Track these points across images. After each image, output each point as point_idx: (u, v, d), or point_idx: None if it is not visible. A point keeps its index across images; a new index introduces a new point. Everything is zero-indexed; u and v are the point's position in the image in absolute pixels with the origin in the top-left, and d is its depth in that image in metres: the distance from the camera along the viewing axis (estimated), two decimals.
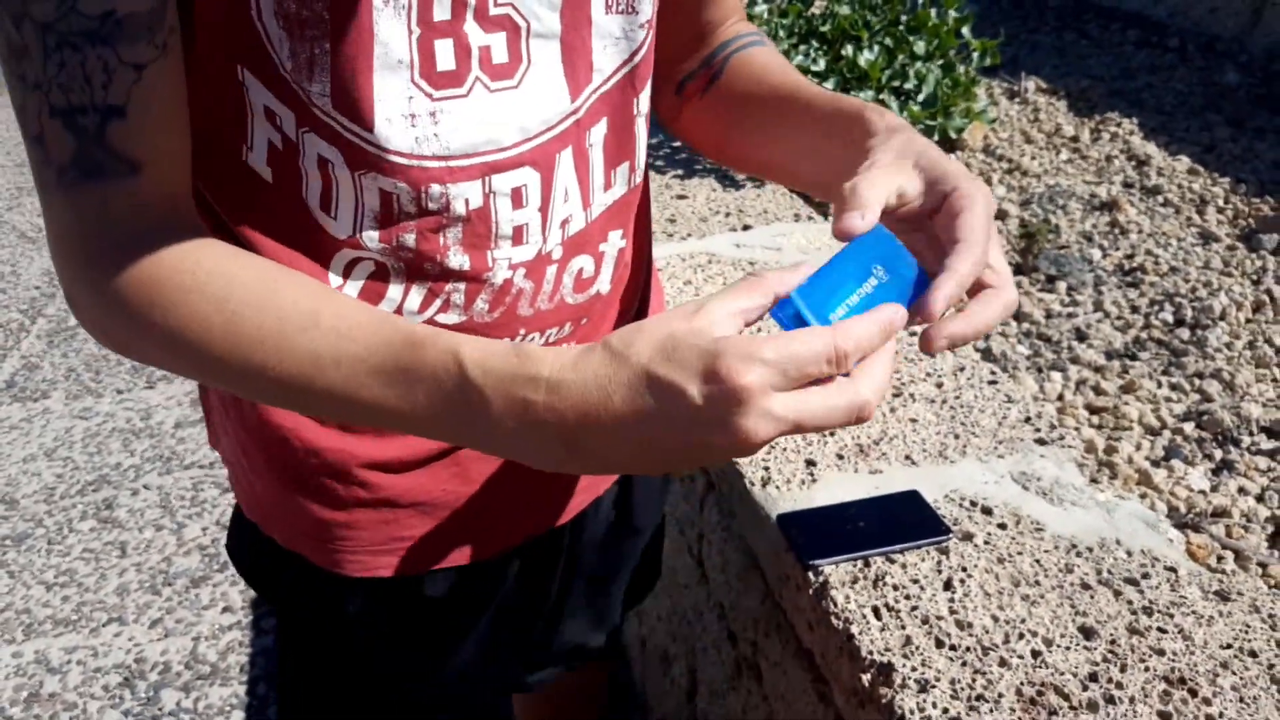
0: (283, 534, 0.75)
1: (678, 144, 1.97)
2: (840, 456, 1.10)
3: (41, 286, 3.54)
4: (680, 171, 1.86)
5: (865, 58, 1.86)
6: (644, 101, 0.67)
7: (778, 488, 1.06)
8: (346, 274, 0.61)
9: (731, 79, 0.76)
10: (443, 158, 0.57)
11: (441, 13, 0.54)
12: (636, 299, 0.78)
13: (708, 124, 0.79)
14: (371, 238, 0.59)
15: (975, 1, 3.57)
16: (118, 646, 1.96)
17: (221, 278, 0.52)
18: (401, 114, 0.55)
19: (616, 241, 0.70)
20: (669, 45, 0.75)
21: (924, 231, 0.55)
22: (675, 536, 1.45)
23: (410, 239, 0.60)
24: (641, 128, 0.68)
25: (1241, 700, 0.80)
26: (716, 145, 0.80)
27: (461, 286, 0.62)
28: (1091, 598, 0.89)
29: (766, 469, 1.09)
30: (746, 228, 1.67)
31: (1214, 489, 1.18)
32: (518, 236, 0.62)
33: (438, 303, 0.63)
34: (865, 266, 0.50)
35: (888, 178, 0.53)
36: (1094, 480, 1.07)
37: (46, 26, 0.49)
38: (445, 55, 0.55)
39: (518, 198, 0.61)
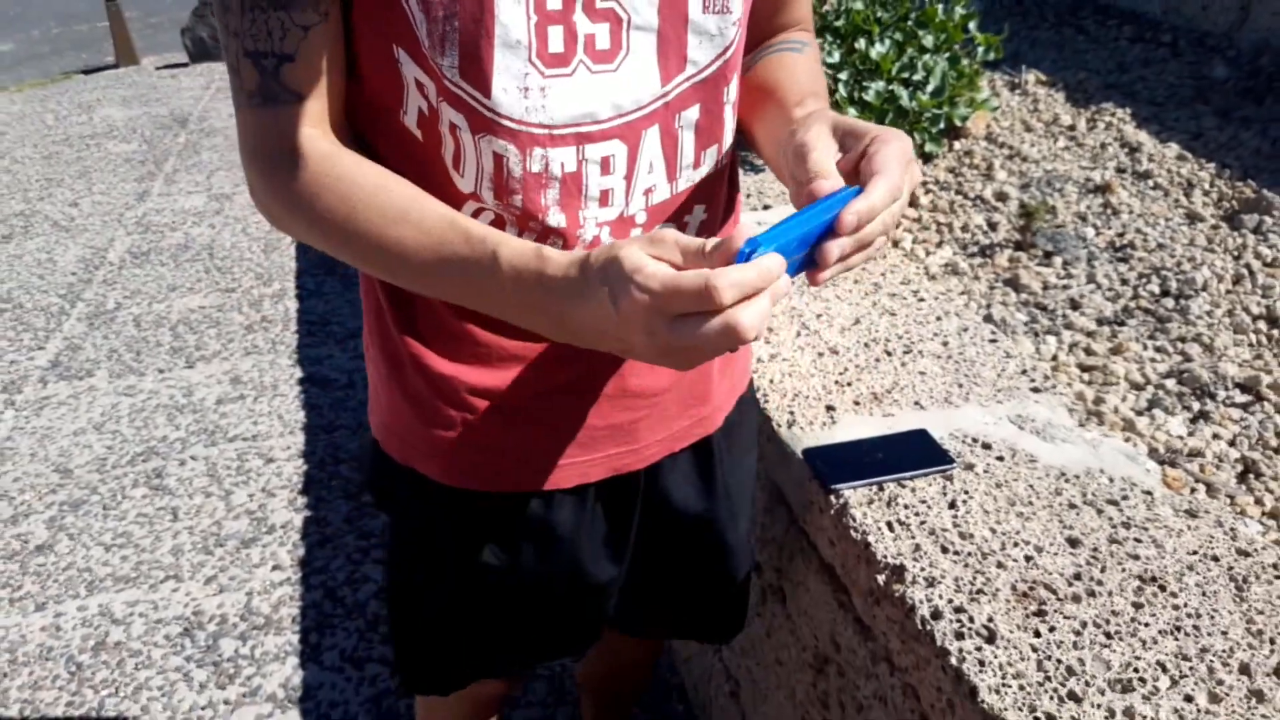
0: (400, 451, 0.88)
1: None
2: (856, 403, 1.24)
3: (78, 273, 3.67)
4: None
5: (877, 50, 2.00)
6: (733, 90, 0.77)
7: (801, 428, 1.20)
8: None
9: (758, 69, 0.86)
10: (546, 126, 0.70)
11: (554, 3, 0.67)
12: None
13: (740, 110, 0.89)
14: (488, 195, 0.73)
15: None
16: (176, 601, 2.10)
17: (347, 180, 0.69)
18: (516, 86, 0.68)
19: (699, 214, 0.81)
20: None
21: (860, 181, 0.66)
22: None
23: (518, 199, 0.72)
24: (729, 115, 0.79)
25: (1204, 594, 0.93)
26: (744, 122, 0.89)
27: (560, 242, 0.74)
28: (1077, 515, 1.03)
29: (791, 413, 1.22)
30: (767, 207, 1.80)
31: (1190, 434, 1.32)
32: (604, 199, 0.74)
33: None
34: (813, 213, 0.60)
35: (827, 146, 0.66)
36: (1082, 424, 1.21)
37: None
38: (556, 39, 0.67)
39: (606, 165, 0.72)
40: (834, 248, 0.60)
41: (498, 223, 0.74)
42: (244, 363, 2.99)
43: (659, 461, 0.93)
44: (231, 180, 4.44)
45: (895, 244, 1.90)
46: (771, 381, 1.29)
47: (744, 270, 0.55)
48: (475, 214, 0.74)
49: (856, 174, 0.66)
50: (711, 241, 0.57)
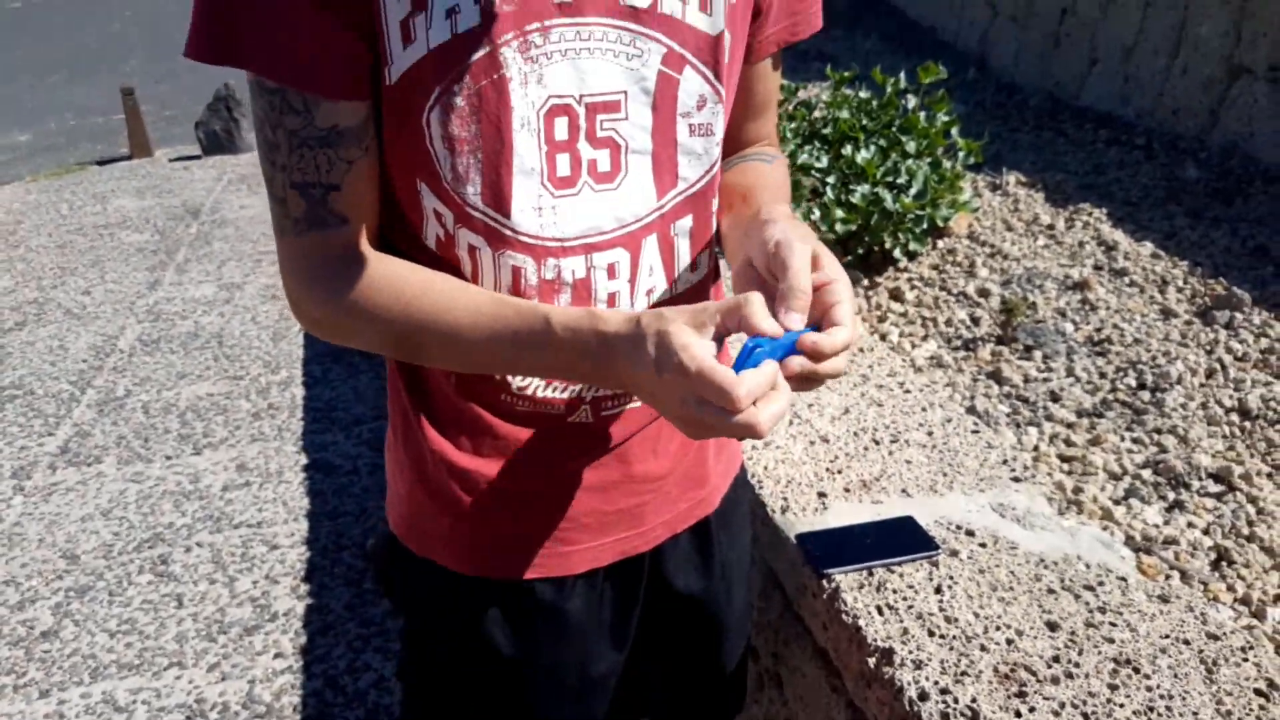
0: (419, 544, 0.94)
1: None
2: (847, 490, 1.30)
3: (89, 360, 3.75)
4: None
5: (862, 156, 2.12)
6: (716, 202, 0.86)
7: (795, 514, 1.26)
8: None
9: (730, 174, 0.94)
10: (558, 239, 0.79)
11: (561, 134, 0.76)
12: None
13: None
14: None
15: (962, 102, 3.88)
16: (179, 688, 2.12)
17: (397, 280, 0.78)
18: (532, 206, 0.77)
19: None
20: None
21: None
22: None
23: None
24: (714, 223, 0.88)
25: (1175, 677, 0.99)
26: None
27: None
28: (1056, 600, 1.09)
29: (785, 499, 1.29)
30: None
31: (1166, 523, 1.38)
32: (610, 301, 0.81)
33: None
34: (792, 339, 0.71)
35: (804, 260, 0.73)
36: (1061, 513, 1.27)
37: (293, 133, 0.74)
38: (564, 165, 0.76)
39: (611, 271, 0.81)
40: (795, 364, 0.70)
41: None
42: (250, 449, 3.05)
43: (661, 544, 0.98)
44: (241, 270, 4.57)
45: (882, 337, 1.99)
46: (766, 469, 1.36)
47: (757, 377, 0.66)
48: None
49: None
50: (740, 299, 0.69)
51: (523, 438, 0.87)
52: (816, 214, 2.10)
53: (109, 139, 7.17)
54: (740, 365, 0.67)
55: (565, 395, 0.85)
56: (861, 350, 1.66)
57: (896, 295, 2.17)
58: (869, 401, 1.53)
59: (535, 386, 0.84)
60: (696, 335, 0.68)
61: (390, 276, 0.78)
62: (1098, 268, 2.30)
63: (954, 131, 2.34)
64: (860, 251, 2.20)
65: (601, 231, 0.80)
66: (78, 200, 5.90)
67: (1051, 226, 2.55)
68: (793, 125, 2.26)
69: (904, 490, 1.30)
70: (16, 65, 9.53)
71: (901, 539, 1.19)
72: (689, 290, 0.88)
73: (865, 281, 2.24)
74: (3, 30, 10.92)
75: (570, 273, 0.81)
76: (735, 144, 0.97)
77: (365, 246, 0.79)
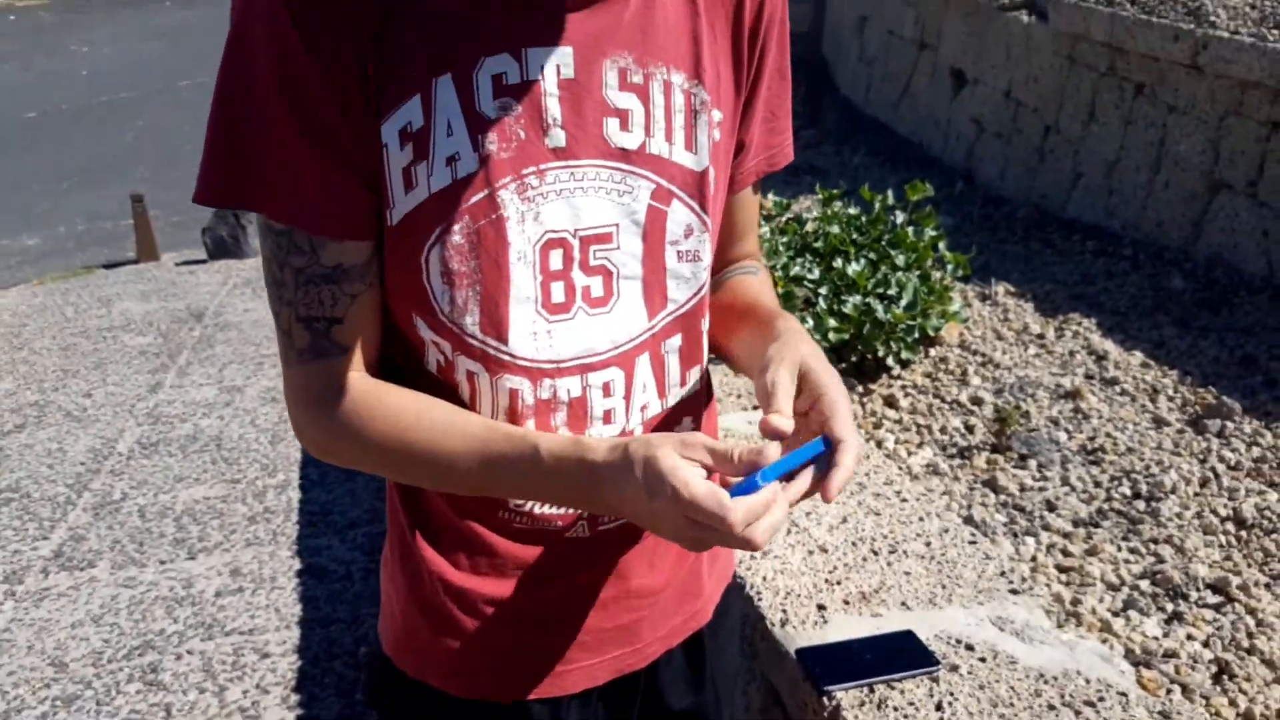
0: (413, 665, 0.94)
1: None
2: (846, 602, 1.31)
3: (86, 463, 3.75)
4: None
5: (853, 269, 2.18)
6: (706, 320, 0.92)
7: (794, 628, 1.26)
8: None
9: (721, 294, 0.99)
10: (554, 361, 0.82)
11: (556, 264, 0.80)
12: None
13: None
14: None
15: (950, 215, 4.00)
16: None
17: (395, 408, 0.81)
18: (529, 332, 0.81)
19: (688, 425, 0.93)
20: None
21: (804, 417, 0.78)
22: None
23: (531, 424, 0.84)
24: (705, 340, 0.92)
25: None
26: (713, 339, 1.03)
27: None
28: (1056, 716, 1.09)
29: (784, 611, 1.29)
30: (756, 408, 1.92)
31: (1165, 635, 1.38)
32: (606, 418, 0.84)
33: None
34: (794, 458, 0.73)
35: (787, 390, 0.77)
36: (1060, 626, 1.27)
37: (299, 270, 0.77)
38: (558, 292, 0.80)
39: (606, 390, 0.83)
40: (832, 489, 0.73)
41: None
42: (245, 554, 3.03)
43: (656, 660, 0.98)
44: (243, 372, 4.60)
45: (878, 444, 2.01)
46: (764, 579, 1.37)
47: (753, 502, 0.68)
48: None
49: (805, 415, 0.79)
50: (738, 450, 0.71)
51: (520, 554, 0.89)
52: (810, 323, 2.15)
53: (117, 244, 7.31)
54: (741, 490, 0.69)
55: (562, 511, 0.86)
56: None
57: (891, 402, 2.21)
58: (866, 510, 1.55)
59: (532, 504, 0.86)
60: (683, 459, 0.70)
61: (388, 405, 0.81)
62: (1089, 376, 2.34)
63: (942, 245, 2.42)
64: (854, 359, 2.25)
65: (596, 352, 0.83)
66: (83, 303, 5.98)
67: (1042, 335, 2.60)
68: (785, 239, 2.33)
69: (903, 603, 1.30)
70: (29, 172, 9.77)
71: (902, 654, 1.18)
72: (680, 404, 0.91)
73: (860, 388, 2.28)
74: (18, 139, 11.24)
75: (566, 392, 0.83)
76: (722, 262, 1.01)
77: (364, 376, 0.82)
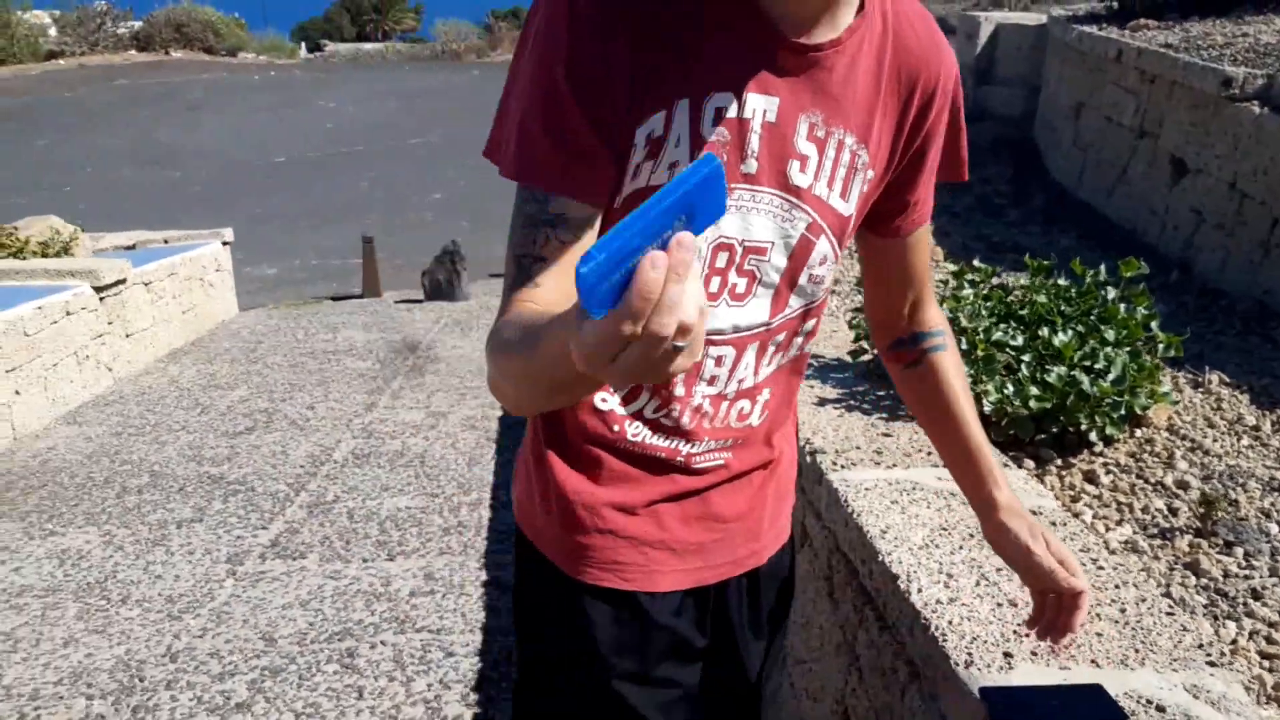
0: (547, 548, 1.10)
1: (881, 391, 2.30)
2: (1034, 653, 1.31)
3: (305, 466, 4.13)
4: (885, 415, 2.18)
5: (1060, 339, 2.16)
6: (808, 324, 1.07)
7: (978, 669, 1.28)
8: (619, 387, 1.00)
9: (924, 374, 1.18)
10: None
11: (720, 263, 0.96)
12: (778, 431, 1.15)
13: (908, 395, 1.24)
14: None
15: (1163, 303, 3.84)
16: None
17: (514, 321, 0.85)
18: None
19: (766, 395, 1.08)
20: (880, 307, 1.20)
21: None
22: None
23: None
24: (803, 339, 1.08)
25: None
26: (913, 412, 1.24)
27: (677, 407, 1.02)
28: None
29: (969, 654, 1.31)
30: (941, 464, 1.94)
31: None
32: (711, 381, 1.03)
33: (664, 410, 1.02)
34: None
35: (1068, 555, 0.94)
36: (1261, 704, 1.23)
37: (529, 216, 0.91)
38: (714, 285, 0.97)
39: (719, 361, 1.02)
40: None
41: (635, 389, 1.02)
42: (438, 561, 3.26)
43: (725, 584, 1.14)
44: (448, 401, 4.95)
45: (1075, 515, 1.97)
46: (950, 623, 1.39)
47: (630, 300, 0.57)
48: None
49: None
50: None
51: (628, 471, 1.06)
52: (1010, 389, 2.15)
53: (344, 279, 8.02)
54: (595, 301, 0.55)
55: (667, 444, 1.04)
56: (1054, 524, 1.67)
57: (1091, 478, 2.16)
58: None
59: (644, 436, 1.03)
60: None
61: (512, 317, 0.87)
62: None
63: (1154, 325, 2.35)
64: (1054, 430, 2.21)
65: (720, 333, 1.01)
66: (312, 328, 6.60)
67: (1257, 428, 2.47)
68: (989, 305, 2.34)
69: (1093, 661, 1.29)
70: (273, 210, 10.88)
71: (1088, 707, 1.18)
72: (767, 379, 1.08)
73: (1059, 461, 2.24)
74: (267, 180, 12.54)
75: None
76: (906, 315, 1.19)
77: (526, 302, 0.89)
